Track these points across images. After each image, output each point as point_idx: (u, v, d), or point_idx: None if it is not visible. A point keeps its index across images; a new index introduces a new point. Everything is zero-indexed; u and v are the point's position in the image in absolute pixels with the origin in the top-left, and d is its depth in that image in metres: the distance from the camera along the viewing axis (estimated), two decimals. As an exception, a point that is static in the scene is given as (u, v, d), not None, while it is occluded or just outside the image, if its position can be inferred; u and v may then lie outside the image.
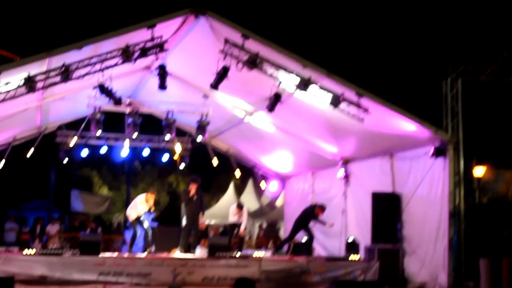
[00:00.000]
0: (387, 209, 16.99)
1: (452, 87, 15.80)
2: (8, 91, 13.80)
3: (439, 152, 15.31)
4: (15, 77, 13.83)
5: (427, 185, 15.94)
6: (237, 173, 24.13)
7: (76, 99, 18.24)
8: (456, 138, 15.39)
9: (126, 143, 22.27)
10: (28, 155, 21.37)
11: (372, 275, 15.68)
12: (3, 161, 20.89)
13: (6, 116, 17.17)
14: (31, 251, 14.75)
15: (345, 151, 19.48)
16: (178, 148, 23.18)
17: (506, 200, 17.51)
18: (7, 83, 13.72)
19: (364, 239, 17.50)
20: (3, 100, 13.83)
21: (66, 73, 14.15)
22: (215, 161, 23.82)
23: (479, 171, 27.17)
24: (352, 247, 17.25)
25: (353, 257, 16.30)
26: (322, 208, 18.60)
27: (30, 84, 13.91)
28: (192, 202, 17.42)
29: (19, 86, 13.89)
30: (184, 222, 17.56)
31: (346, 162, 19.89)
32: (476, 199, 25.45)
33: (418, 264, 16.05)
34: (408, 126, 15.41)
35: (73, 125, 22.36)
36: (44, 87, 14.58)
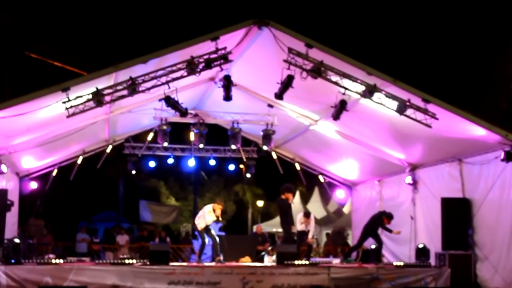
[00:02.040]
0: (457, 214, 16.75)
1: (521, 89, 15.50)
2: (77, 105, 14.06)
3: (510, 156, 14.99)
4: (84, 92, 14.10)
5: (498, 190, 15.65)
6: (303, 180, 24.13)
7: (142, 111, 18.50)
8: (526, 142, 15.08)
9: (193, 153, 22.47)
10: (98, 166, 21.76)
11: (443, 282, 15.51)
12: (74, 173, 21.30)
13: (76, 130, 17.55)
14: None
15: (413, 157, 19.28)
16: (243, 157, 23.30)
17: None
18: (76, 97, 13.98)
19: (435, 245, 17.27)
20: (73, 114, 14.09)
21: (132, 87, 14.35)
22: (281, 170, 23.84)
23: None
24: (423, 253, 17.05)
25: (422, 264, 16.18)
26: (388, 217, 18.41)
27: (98, 98, 14.12)
28: (291, 210, 17.71)
29: (88, 100, 14.13)
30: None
31: (413, 168, 19.67)
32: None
33: (491, 270, 15.76)
34: (477, 130, 15.14)
35: (140, 137, 22.67)
36: (112, 101, 14.80)
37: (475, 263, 16.28)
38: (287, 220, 17.95)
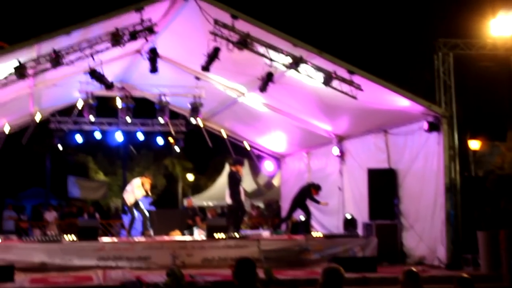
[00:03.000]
0: (383, 185, 17.06)
1: (443, 61, 15.79)
2: (-1, 79, 13.75)
3: (433, 127, 15.31)
4: (5, 65, 13.76)
5: (422, 160, 15.98)
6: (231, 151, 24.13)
7: (67, 85, 18.14)
8: (449, 112, 15.40)
9: (120, 127, 22.20)
10: (23, 142, 21.30)
11: (371, 251, 15.75)
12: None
13: (-1, 104, 17.13)
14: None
15: (339, 129, 19.50)
16: (172, 130, 23.14)
17: (502, 172, 17.55)
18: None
19: (362, 215, 17.56)
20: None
21: (56, 59, 14.12)
22: (210, 143, 23.79)
23: (474, 144, 27.23)
24: (350, 224, 17.31)
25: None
26: (317, 189, 18.60)
27: (20, 71, 13.84)
28: (240, 184, 17.64)
29: (10, 74, 13.82)
30: (229, 203, 17.76)
31: (340, 139, 19.91)
32: (472, 172, 25.51)
33: (416, 239, 16.13)
34: (401, 102, 15.40)
35: (66, 112, 22.26)
36: (35, 74, 14.52)
37: (401, 232, 16.62)
38: (239, 191, 17.91)
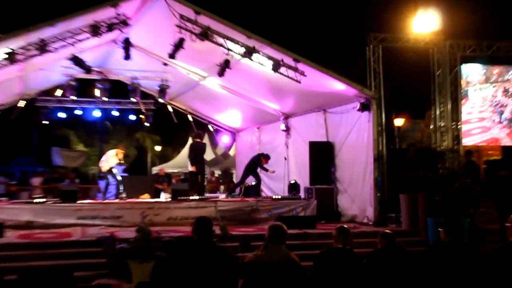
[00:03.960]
0: (322, 155, 17.19)
1: (374, 52, 15.87)
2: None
3: (364, 107, 15.45)
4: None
5: (355, 134, 16.12)
6: (189, 117, 23.99)
7: (52, 69, 17.80)
8: (378, 95, 15.53)
9: (98, 105, 21.91)
10: (13, 118, 20.93)
11: (311, 211, 15.89)
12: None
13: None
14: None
15: (286, 108, 19.55)
16: (142, 108, 22.91)
17: (421, 145, 17.85)
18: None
19: (304, 181, 17.67)
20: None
21: (42, 47, 14.02)
22: (175, 119, 23.66)
23: (398, 121, 27.63)
24: (294, 188, 17.40)
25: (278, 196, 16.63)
26: (266, 158, 18.63)
27: (11, 56, 13.76)
28: (203, 152, 17.79)
29: (2, 59, 13.71)
30: (191, 170, 17.80)
31: (287, 117, 19.97)
32: (396, 145, 25.86)
33: (349, 201, 16.32)
34: (338, 85, 15.49)
35: (51, 92, 21.88)
36: (24, 59, 14.34)
37: (337, 195, 16.81)
38: (202, 159, 18.00)
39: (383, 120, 15.55)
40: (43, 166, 36.41)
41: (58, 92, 20.89)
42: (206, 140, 34.67)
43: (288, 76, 15.15)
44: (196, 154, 17.81)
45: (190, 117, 23.75)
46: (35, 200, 15.08)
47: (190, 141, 34.24)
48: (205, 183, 23.42)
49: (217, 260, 5.81)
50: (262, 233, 10.56)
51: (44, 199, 15.11)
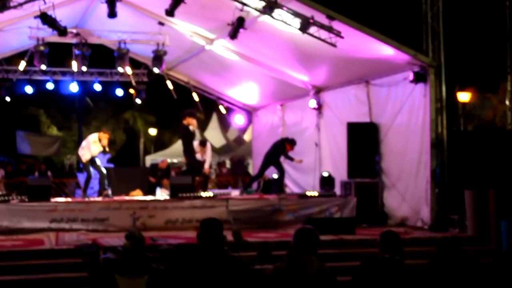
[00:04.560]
0: (363, 140, 17.16)
1: (432, 5, 15.77)
2: None
3: (419, 77, 15.37)
4: None
5: (407, 114, 16.07)
6: (196, 98, 23.99)
7: (16, 30, 17.87)
8: (437, 62, 15.45)
9: (75, 76, 22.01)
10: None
11: (349, 212, 15.93)
12: None
13: None
14: None
15: (317, 80, 19.51)
16: (132, 80, 23.01)
17: (493, 126, 17.72)
18: None
19: (340, 173, 17.69)
20: None
21: (2, 2, 13.96)
22: (174, 95, 23.72)
23: (463, 96, 27.39)
24: (327, 182, 17.40)
25: (311, 193, 16.61)
26: (291, 143, 18.59)
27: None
28: (193, 139, 17.77)
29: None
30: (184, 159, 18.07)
31: (318, 91, 19.94)
32: (460, 127, 25.74)
33: (399, 198, 16.32)
34: (384, 50, 15.42)
35: (14, 59, 22.02)
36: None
37: (382, 191, 16.81)
38: (189, 148, 17.94)
39: (444, 94, 15.47)
40: (5, 156, 36.65)
41: (23, 61, 21.00)
42: (214, 121, 35.04)
43: (320, 38, 15.11)
44: (186, 142, 17.89)
45: (193, 92, 23.80)
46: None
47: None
48: (212, 176, 23.51)
49: (229, 274, 5.84)
50: (287, 240, 10.61)
51: (8, 198, 15.20)
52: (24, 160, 31.72)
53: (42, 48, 18.34)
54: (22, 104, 40.45)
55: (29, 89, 22.31)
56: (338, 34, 14.92)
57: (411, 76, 15.46)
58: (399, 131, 16.39)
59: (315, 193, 16.83)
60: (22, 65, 21.10)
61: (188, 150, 17.78)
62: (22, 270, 11.10)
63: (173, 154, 33.51)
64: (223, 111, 24.63)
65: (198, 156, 18.81)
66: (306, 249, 6.32)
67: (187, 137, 17.73)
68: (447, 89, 15.69)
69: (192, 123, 17.65)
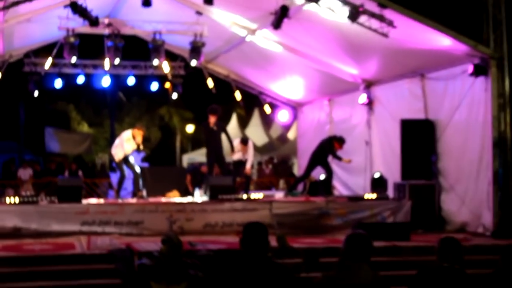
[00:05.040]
0: (419, 139, 17.05)
1: (494, -9, 15.63)
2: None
3: (479, 70, 15.23)
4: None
5: (466, 110, 15.94)
6: (238, 97, 24.03)
7: (44, 20, 18.08)
8: (499, 53, 15.27)
9: (107, 70, 22.12)
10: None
11: (403, 216, 15.86)
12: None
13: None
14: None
15: (368, 73, 19.44)
16: (168, 74, 23.09)
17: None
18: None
19: (393, 174, 17.61)
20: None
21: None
22: (213, 89, 23.78)
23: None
24: (379, 184, 17.35)
25: (369, 195, 16.53)
26: (340, 142, 18.54)
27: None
28: (213, 135, 17.72)
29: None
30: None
31: (368, 85, 19.86)
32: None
33: (458, 202, 16.18)
34: (441, 40, 15.29)
35: (42, 52, 22.21)
36: (5, 7, 14.46)
37: (439, 194, 16.66)
38: (209, 149, 18.03)
39: (507, 88, 15.29)
40: (34, 154, 37.07)
41: (52, 54, 21.19)
42: (256, 118, 35.05)
43: (370, 28, 15.05)
44: (206, 141, 17.98)
45: (234, 86, 23.85)
46: (23, 199, 15.28)
47: (234, 118, 34.59)
48: (254, 177, 23.50)
49: (273, 283, 5.83)
50: (335, 246, 10.56)
51: (36, 199, 15.33)
52: (53, 158, 32.03)
53: (72, 39, 18.46)
54: (51, 99, 40.83)
55: (58, 83, 22.48)
56: (390, 24, 14.86)
57: (470, 68, 15.32)
58: (457, 128, 16.26)
59: (370, 196, 16.74)
60: (51, 58, 21.30)
61: (208, 152, 17.94)
62: (51, 276, 11.20)
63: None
64: (268, 110, 24.63)
65: (239, 155, 18.87)
66: (358, 256, 6.27)
67: (206, 136, 17.88)
68: (510, 83, 15.51)
69: (210, 121, 17.72)
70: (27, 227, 14.29)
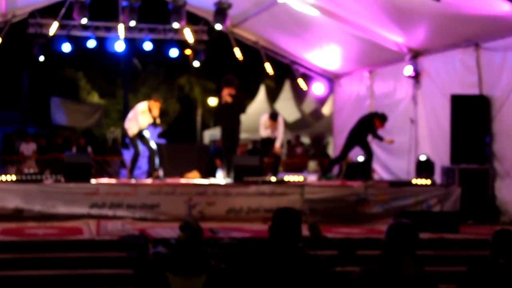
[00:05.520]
0: (471, 117, 16.95)
1: None
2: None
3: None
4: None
5: (527, 85, 15.89)
6: (269, 69, 24.03)
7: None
8: None
9: (121, 33, 22.16)
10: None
11: (452, 205, 15.80)
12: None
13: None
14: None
15: (415, 41, 19.35)
16: (190, 39, 23.07)
17: None
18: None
19: (440, 157, 17.58)
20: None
21: None
22: (240, 57, 23.75)
23: None
24: (425, 167, 17.31)
25: (424, 180, 16.42)
26: (381, 119, 18.46)
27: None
28: (227, 111, 17.70)
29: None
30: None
31: (415, 55, 19.77)
32: None
33: (514, 190, 16.14)
34: (499, 5, 15.18)
35: (49, 11, 22.26)
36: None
37: (494, 181, 16.60)
38: (224, 128, 18.12)
39: None
40: (38, 127, 37.30)
41: (61, 13, 21.24)
42: (287, 91, 35.01)
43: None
44: (222, 121, 18.00)
45: (263, 54, 23.81)
46: (26, 177, 15.36)
47: (262, 90, 34.55)
48: (284, 157, 23.46)
49: (305, 276, 5.82)
50: (374, 237, 10.52)
51: (40, 177, 15.42)
52: (59, 132, 32.20)
53: (82, -2, 18.55)
54: (58, 65, 40.96)
55: (66, 47, 22.55)
56: (442, -15, 14.78)
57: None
58: (516, 106, 16.20)
59: (415, 181, 16.68)
60: (58, 19, 21.35)
61: (223, 131, 17.98)
62: (57, 263, 11.24)
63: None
64: (303, 85, 24.58)
65: (268, 132, 18.81)
66: (402, 249, 6.23)
67: (219, 112, 17.91)
68: None
69: (223, 94, 17.69)
70: (29, 209, 14.36)
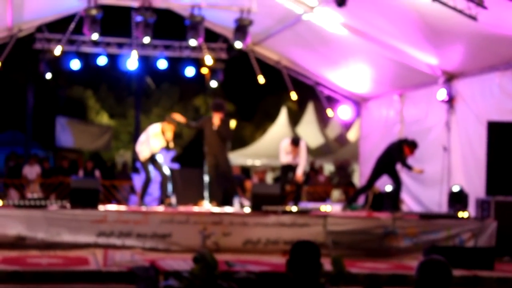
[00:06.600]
0: (509, 146, 16.91)
1: None
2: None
3: None
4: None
5: None
6: (293, 95, 24.12)
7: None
8: None
9: (134, 52, 22.27)
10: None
11: (486, 240, 15.77)
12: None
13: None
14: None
15: (448, 63, 19.39)
16: (208, 58, 23.16)
17: None
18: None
19: (475, 188, 17.54)
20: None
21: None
22: (260, 77, 23.82)
23: None
24: (458, 199, 17.27)
25: (460, 213, 16.39)
26: (411, 146, 18.45)
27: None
28: (213, 137, 17.72)
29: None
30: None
31: (449, 78, 19.81)
32: None
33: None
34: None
35: (58, 26, 22.41)
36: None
37: (533, 214, 16.57)
38: (207, 155, 18.18)
39: None
40: (42, 148, 37.42)
41: (71, 28, 21.38)
42: (310, 113, 35.05)
43: (455, 9, 14.99)
44: (208, 148, 18.05)
45: (285, 74, 23.88)
46: (29, 203, 15.40)
47: (284, 113, 34.60)
48: (305, 186, 23.45)
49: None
50: (403, 273, 10.52)
51: (45, 202, 15.46)
52: (65, 155, 32.31)
53: (94, 12, 18.65)
54: (65, 83, 41.11)
55: (75, 64, 22.68)
56: (479, 4, 14.78)
57: None
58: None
59: (447, 214, 16.67)
60: (67, 34, 21.49)
61: (210, 160, 18.00)
62: (60, 296, 11.30)
63: (256, 153, 33.65)
64: (330, 113, 24.67)
65: (289, 158, 18.83)
66: (434, 287, 6.25)
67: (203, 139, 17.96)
68: None
69: (214, 121, 17.69)
70: (32, 236, 14.40)
